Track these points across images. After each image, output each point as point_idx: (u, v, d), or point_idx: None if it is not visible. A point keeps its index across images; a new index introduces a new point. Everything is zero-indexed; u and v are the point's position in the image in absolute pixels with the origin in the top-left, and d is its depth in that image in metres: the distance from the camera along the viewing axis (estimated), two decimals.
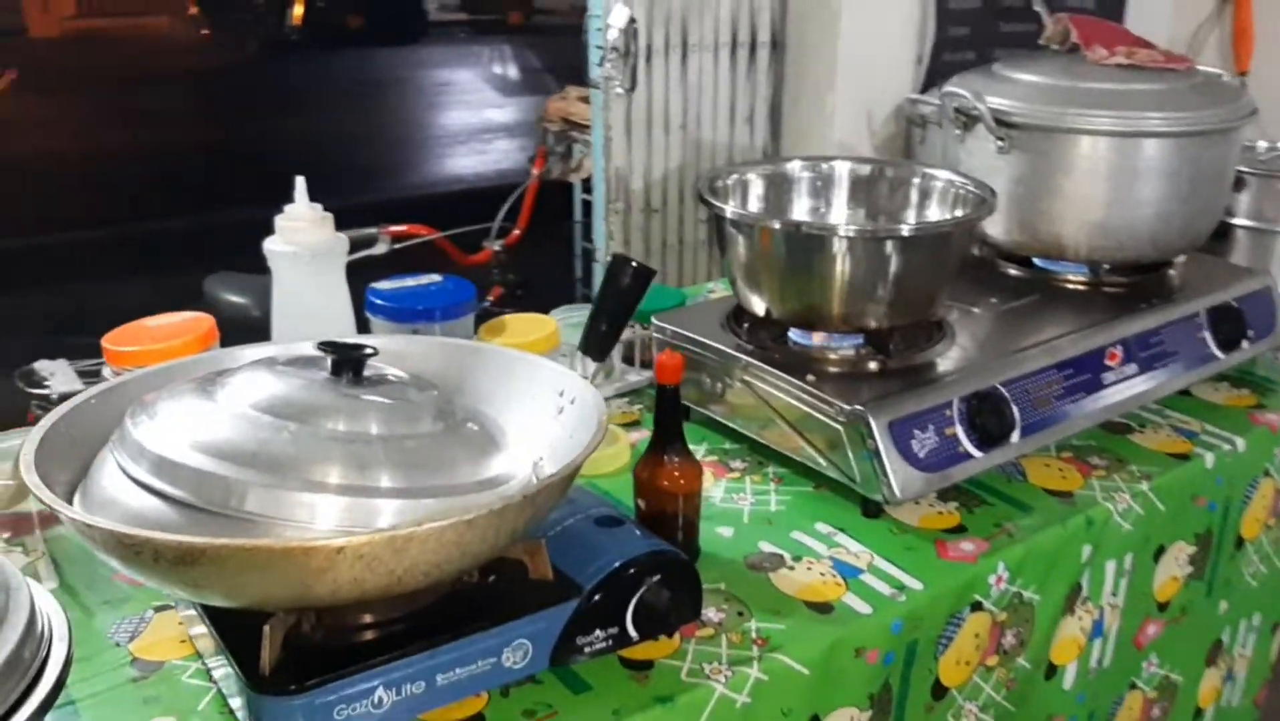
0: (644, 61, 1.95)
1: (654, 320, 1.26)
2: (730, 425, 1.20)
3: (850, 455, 1.06)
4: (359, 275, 2.21)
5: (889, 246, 1.11)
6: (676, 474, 0.97)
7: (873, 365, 1.15)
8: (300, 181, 1.17)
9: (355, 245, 2.35)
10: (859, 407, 1.04)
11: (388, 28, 10.64)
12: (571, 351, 1.30)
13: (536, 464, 0.88)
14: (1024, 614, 1.06)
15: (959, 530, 1.06)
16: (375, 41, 10.42)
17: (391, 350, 0.98)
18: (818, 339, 1.18)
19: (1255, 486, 1.28)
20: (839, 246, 1.10)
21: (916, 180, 1.27)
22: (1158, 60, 1.33)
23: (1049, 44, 1.41)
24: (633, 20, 1.88)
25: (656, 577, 0.86)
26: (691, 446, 1.19)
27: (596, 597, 0.83)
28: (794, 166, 1.28)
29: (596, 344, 0.94)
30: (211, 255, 2.66)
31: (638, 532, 0.89)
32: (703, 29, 2.00)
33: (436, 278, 1.31)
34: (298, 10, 10.58)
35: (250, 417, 0.76)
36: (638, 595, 0.85)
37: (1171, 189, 1.29)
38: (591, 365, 0.94)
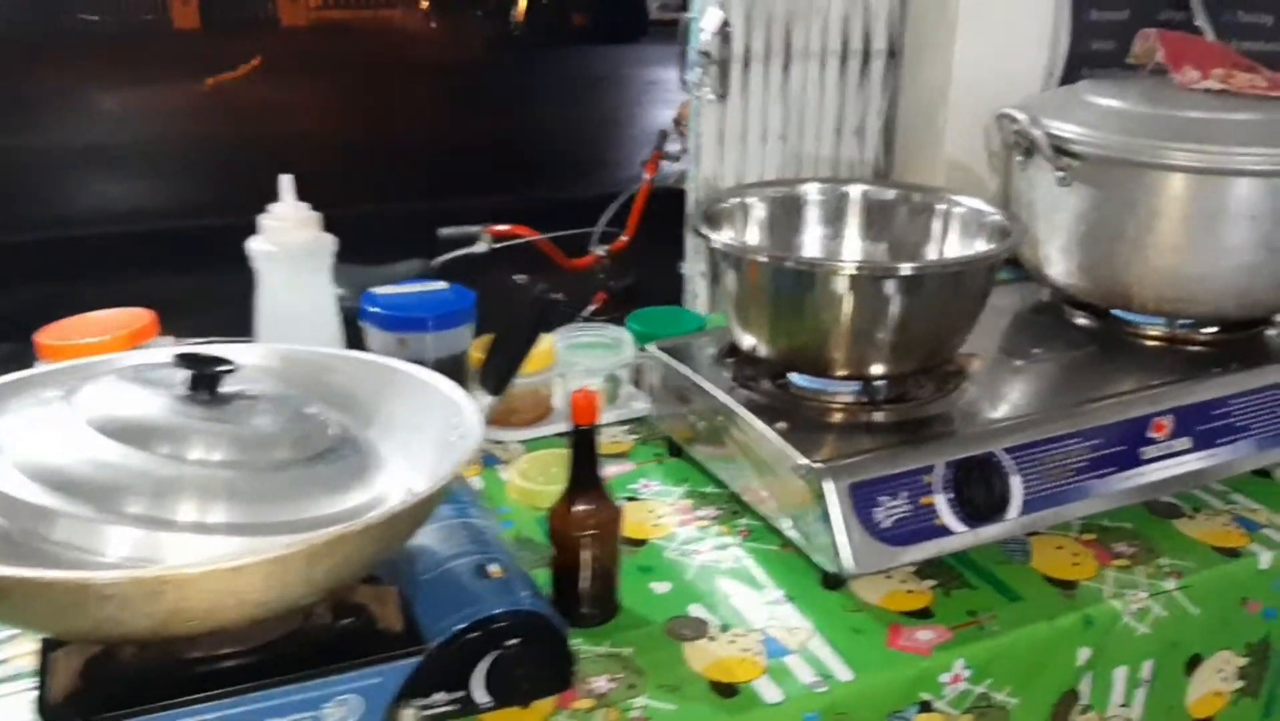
0: (741, 67, 1.85)
1: (648, 347, 1.18)
2: (710, 469, 1.10)
3: (807, 516, 0.94)
4: (462, 274, 2.20)
5: (888, 286, 0.99)
6: (590, 521, 0.88)
7: (865, 416, 1.03)
8: (286, 179, 1.14)
9: (456, 243, 2.36)
10: (816, 465, 0.93)
11: (609, 26, 10.77)
12: (569, 368, 1.23)
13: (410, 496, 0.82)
14: (994, 718, 0.92)
15: (923, 614, 0.93)
16: (596, 39, 10.58)
17: (309, 364, 0.94)
18: (815, 383, 1.07)
19: None
20: (830, 284, 0.99)
21: (940, 207, 1.13)
22: (1259, 86, 1.14)
23: (1136, 63, 1.24)
24: (726, 24, 1.79)
25: (515, 641, 0.78)
26: (669, 486, 1.11)
27: (440, 657, 0.76)
28: (808, 190, 1.17)
29: (492, 376, 0.87)
30: (411, 241, 2.74)
31: (518, 588, 0.82)
32: (809, 35, 1.88)
33: (441, 285, 1.27)
34: (521, 6, 10.84)
35: (83, 436, 0.73)
36: (489, 659, 0.77)
37: (1261, 237, 1.11)
38: (487, 399, 0.86)
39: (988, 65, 1.83)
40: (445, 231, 2.29)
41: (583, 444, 0.88)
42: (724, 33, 1.79)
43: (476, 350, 1.22)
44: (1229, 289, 1.14)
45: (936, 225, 1.13)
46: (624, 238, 2.50)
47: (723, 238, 1.05)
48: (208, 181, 6.04)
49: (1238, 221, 1.10)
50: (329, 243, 1.17)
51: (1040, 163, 1.17)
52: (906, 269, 0.99)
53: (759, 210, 1.14)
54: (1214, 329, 1.19)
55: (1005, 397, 1.07)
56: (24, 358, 1.05)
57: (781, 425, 1.00)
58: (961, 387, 1.06)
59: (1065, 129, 1.15)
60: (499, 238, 2.30)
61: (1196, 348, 1.18)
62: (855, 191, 1.16)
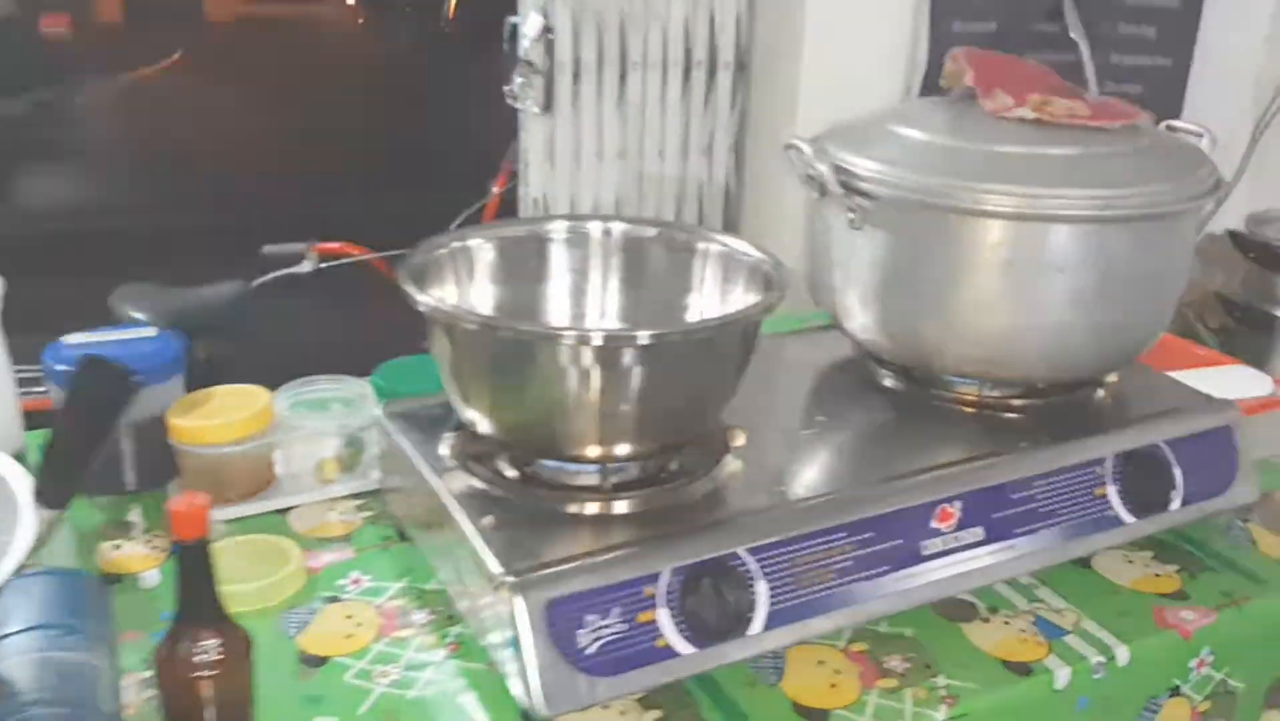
0: (571, 78, 1.68)
1: (382, 410, 1.01)
2: (433, 562, 0.93)
3: (501, 636, 0.78)
4: (287, 297, 1.98)
5: (624, 357, 0.82)
6: (205, 661, 0.71)
7: (601, 506, 0.87)
8: None
9: (279, 262, 2.17)
10: (508, 576, 0.76)
11: None
12: (292, 431, 1.06)
13: None
14: None
15: None
16: None
17: None
18: (550, 465, 0.90)
19: (1155, 709, 0.93)
20: (551, 355, 0.82)
21: (701, 247, 0.97)
22: (1079, 115, 0.99)
23: (947, 86, 1.09)
24: (547, 30, 1.62)
25: None
26: (385, 582, 0.94)
27: None
28: (553, 229, 1.00)
29: (53, 483, 0.69)
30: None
31: None
32: (647, 45, 1.72)
33: (147, 332, 1.09)
34: (451, 3, 10.60)
35: None
36: None
37: (1072, 292, 0.96)
38: (46, 513, 0.69)
39: (838, 81, 1.68)
40: (269, 249, 2.10)
41: (191, 565, 0.70)
42: (546, 39, 1.62)
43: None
44: (1039, 350, 0.99)
45: (697, 269, 0.97)
46: None
47: (430, 297, 0.86)
48: (120, 181, 5.76)
49: (1046, 274, 0.95)
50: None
51: (832, 201, 1.01)
52: (644, 338, 0.81)
53: (487, 256, 0.97)
54: (1029, 395, 1.04)
55: (770, 479, 0.91)
56: None
57: (489, 520, 0.83)
58: (722, 464, 0.90)
59: (856, 163, 1.00)
60: (326, 256, 2.12)
61: (1011, 415, 1.03)
62: (603, 230, 0.99)
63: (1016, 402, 1.04)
